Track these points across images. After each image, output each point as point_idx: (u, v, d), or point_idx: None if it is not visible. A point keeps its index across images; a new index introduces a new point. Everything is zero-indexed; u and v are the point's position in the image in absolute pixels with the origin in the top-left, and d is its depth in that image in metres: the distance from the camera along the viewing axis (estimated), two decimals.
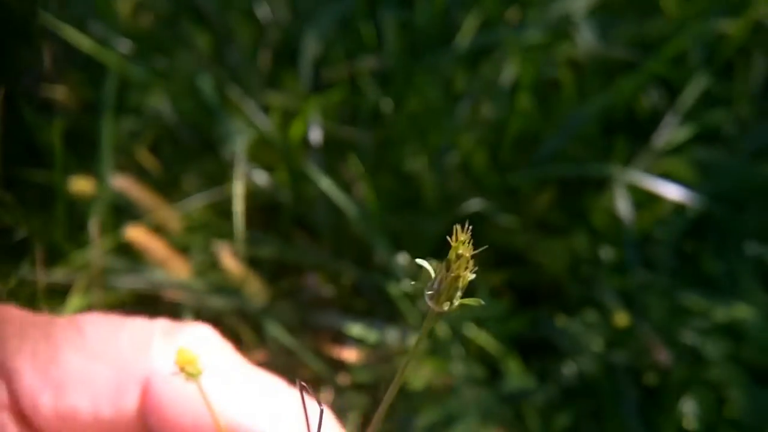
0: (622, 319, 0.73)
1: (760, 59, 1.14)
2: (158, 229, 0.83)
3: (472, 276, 0.28)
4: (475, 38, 1.14)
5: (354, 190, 1.03)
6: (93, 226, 0.83)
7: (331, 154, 1.09)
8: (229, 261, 0.79)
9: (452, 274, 0.28)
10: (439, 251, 0.92)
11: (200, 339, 0.37)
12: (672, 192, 0.95)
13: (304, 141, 1.07)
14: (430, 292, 0.28)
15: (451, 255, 0.27)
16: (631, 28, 1.17)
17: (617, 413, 0.79)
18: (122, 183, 0.79)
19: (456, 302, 0.28)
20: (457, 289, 0.28)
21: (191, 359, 0.31)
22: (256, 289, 0.81)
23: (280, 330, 0.84)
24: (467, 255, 0.27)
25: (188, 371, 0.31)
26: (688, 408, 0.73)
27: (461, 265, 0.28)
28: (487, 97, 1.13)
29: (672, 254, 0.88)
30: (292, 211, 1.07)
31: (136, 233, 0.74)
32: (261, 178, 1.05)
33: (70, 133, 1.08)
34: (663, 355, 0.72)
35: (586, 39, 1.11)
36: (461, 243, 0.27)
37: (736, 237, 0.91)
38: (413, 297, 0.90)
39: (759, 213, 0.93)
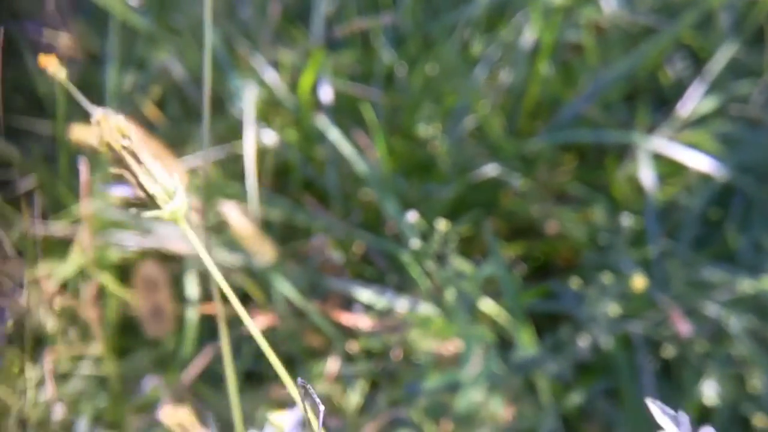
0: (639, 282, 0.69)
1: None
2: None
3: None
4: None
5: (366, 155, 1.00)
6: (84, 174, 0.80)
7: (343, 116, 1.06)
8: (239, 218, 0.76)
9: None
10: (451, 217, 0.89)
11: None
12: (697, 162, 0.92)
13: (315, 101, 1.03)
14: None
15: None
16: None
17: (633, 389, 0.76)
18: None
19: None
20: None
21: None
22: (264, 249, 0.78)
23: (289, 288, 0.81)
24: None
25: None
26: (710, 385, 0.70)
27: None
28: (506, 61, 1.09)
29: (695, 224, 0.85)
30: (301, 174, 1.04)
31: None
32: (270, 138, 1.01)
33: (74, 83, 1.04)
34: (683, 326, 0.69)
35: (610, 3, 1.07)
36: None
37: (761, 211, 0.87)
38: (422, 262, 0.88)
39: None
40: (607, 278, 0.71)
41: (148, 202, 0.32)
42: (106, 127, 0.31)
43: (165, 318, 0.83)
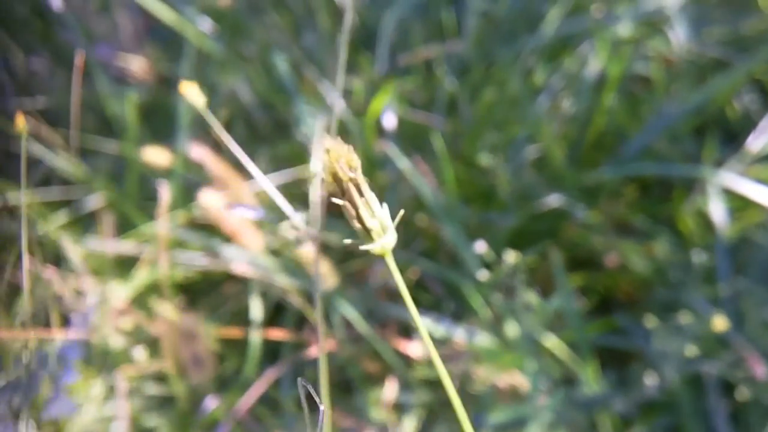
0: (720, 323, 0.67)
1: None
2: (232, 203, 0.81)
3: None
4: (560, 28, 1.09)
5: (427, 181, 1.00)
6: (164, 196, 0.82)
7: (403, 142, 1.06)
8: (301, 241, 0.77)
9: None
10: (512, 246, 0.89)
11: None
12: (767, 198, 0.89)
13: (378, 127, 1.04)
14: None
15: None
16: (726, 25, 1.11)
17: (699, 429, 0.74)
18: (199, 152, 0.77)
19: None
20: None
21: None
22: (325, 274, 0.79)
23: (352, 312, 0.81)
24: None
25: None
26: None
27: None
28: (569, 91, 1.09)
29: None
30: None
31: (209, 200, 0.72)
32: None
33: (144, 105, 1.07)
34: (759, 369, 0.66)
35: (678, 35, 1.06)
36: None
37: None
38: (487, 293, 0.87)
39: None
40: (684, 318, 0.69)
41: (363, 235, 0.34)
42: (334, 156, 0.32)
43: (205, 365, 0.83)
